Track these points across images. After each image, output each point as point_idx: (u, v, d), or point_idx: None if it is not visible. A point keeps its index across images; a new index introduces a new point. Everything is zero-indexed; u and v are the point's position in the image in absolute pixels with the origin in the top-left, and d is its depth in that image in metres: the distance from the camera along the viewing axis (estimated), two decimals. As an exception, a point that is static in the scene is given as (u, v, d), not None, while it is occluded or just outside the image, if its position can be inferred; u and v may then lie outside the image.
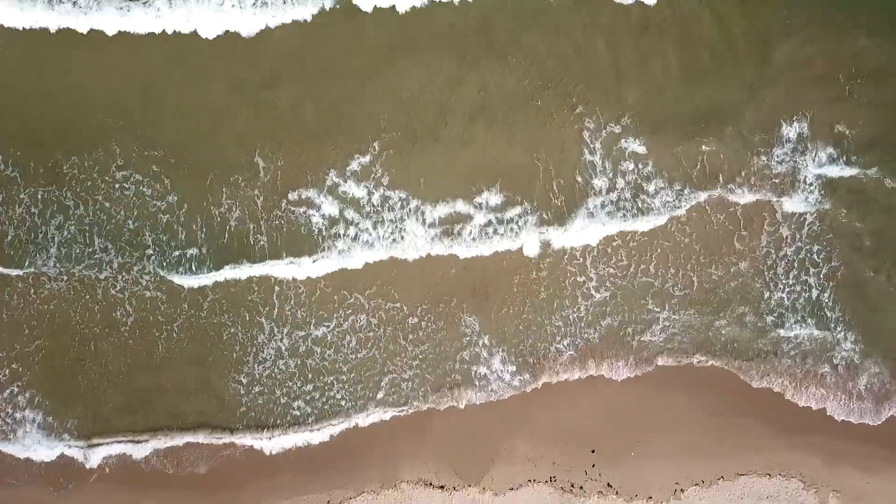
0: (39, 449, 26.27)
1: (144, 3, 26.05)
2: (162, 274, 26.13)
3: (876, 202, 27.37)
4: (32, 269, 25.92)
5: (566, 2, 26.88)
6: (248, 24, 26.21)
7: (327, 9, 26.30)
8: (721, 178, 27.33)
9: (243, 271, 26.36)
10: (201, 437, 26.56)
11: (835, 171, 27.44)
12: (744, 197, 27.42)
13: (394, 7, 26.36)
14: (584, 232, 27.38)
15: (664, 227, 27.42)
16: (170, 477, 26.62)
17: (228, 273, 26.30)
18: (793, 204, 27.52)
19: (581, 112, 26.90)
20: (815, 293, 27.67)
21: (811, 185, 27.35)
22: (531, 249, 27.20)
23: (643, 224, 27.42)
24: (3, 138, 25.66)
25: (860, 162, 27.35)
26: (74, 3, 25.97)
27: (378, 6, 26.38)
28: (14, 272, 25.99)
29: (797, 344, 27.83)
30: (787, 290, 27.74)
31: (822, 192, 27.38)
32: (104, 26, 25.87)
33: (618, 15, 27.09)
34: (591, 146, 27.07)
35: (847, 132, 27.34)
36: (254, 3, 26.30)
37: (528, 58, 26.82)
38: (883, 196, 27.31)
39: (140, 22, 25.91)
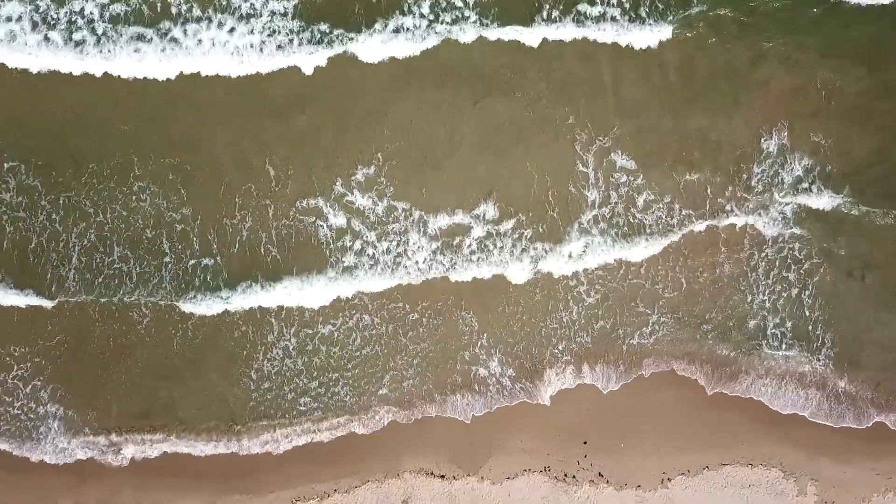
0: (60, 444, 26.59)
1: (161, 36, 25.98)
2: (178, 305, 26.42)
3: (848, 219, 27.69)
4: (62, 298, 26.11)
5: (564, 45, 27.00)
6: (264, 67, 26.27)
7: (335, 56, 26.36)
8: (708, 192, 27.46)
9: (256, 299, 26.67)
10: (211, 447, 27.00)
11: (811, 198, 27.59)
12: (727, 218, 27.55)
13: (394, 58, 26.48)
14: (577, 258, 27.46)
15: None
16: (184, 464, 27.04)
17: (239, 301, 26.61)
18: (770, 225, 27.70)
19: (573, 123, 26.99)
20: (794, 291, 27.84)
21: (787, 207, 27.59)
22: (521, 277, 27.43)
23: (638, 252, 27.57)
24: (25, 148, 25.83)
25: (833, 184, 27.52)
26: (97, 40, 25.79)
27: (376, 61, 26.48)
28: (46, 303, 26.18)
29: (776, 349, 28.07)
30: (767, 291, 27.88)
31: (798, 214, 27.66)
32: (119, 70, 25.85)
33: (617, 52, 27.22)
34: (584, 158, 27.14)
35: (823, 150, 27.45)
36: (262, 46, 26.28)
37: (522, 76, 26.93)
38: (855, 217, 27.67)
39: (154, 68, 25.94)
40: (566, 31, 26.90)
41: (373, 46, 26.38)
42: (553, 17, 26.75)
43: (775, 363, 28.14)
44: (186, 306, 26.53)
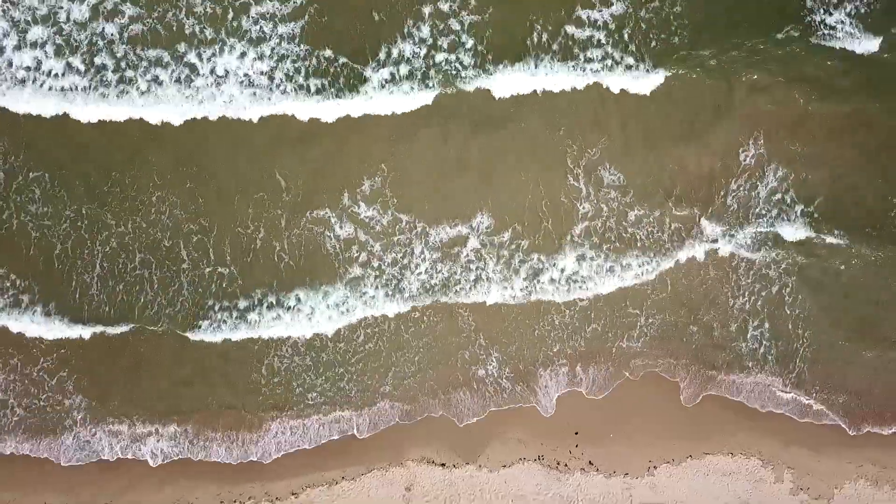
0: (84, 435, 26.82)
1: (177, 60, 26.05)
2: (188, 336, 26.79)
3: (822, 245, 28.33)
4: (100, 328, 26.52)
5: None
6: (271, 111, 26.42)
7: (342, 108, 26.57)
8: (694, 211, 27.93)
9: (270, 331, 27.21)
10: (226, 447, 27.50)
11: (784, 226, 28.04)
12: (709, 228, 28.00)
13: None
14: (572, 277, 27.78)
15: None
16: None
17: (245, 332, 27.11)
18: (743, 245, 28.18)
19: (563, 134, 27.24)
20: (774, 289, 28.22)
21: (763, 229, 28.05)
22: (517, 297, 27.75)
23: (630, 278, 27.93)
24: (53, 160, 26.05)
25: (804, 198, 28.00)
26: (116, 64, 25.81)
27: (388, 112, 26.60)
28: (74, 332, 26.54)
29: (755, 350, 28.56)
30: (748, 292, 28.29)
31: (772, 242, 28.16)
32: (142, 114, 25.93)
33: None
34: (574, 172, 27.42)
35: (797, 170, 27.89)
36: (272, 73, 26.35)
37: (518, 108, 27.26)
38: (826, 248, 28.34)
39: (175, 111, 26.04)
40: (561, 80, 27.17)
41: (378, 100, 26.51)
42: (543, 40, 26.94)
43: (754, 369, 28.67)
44: (199, 335, 27.00)
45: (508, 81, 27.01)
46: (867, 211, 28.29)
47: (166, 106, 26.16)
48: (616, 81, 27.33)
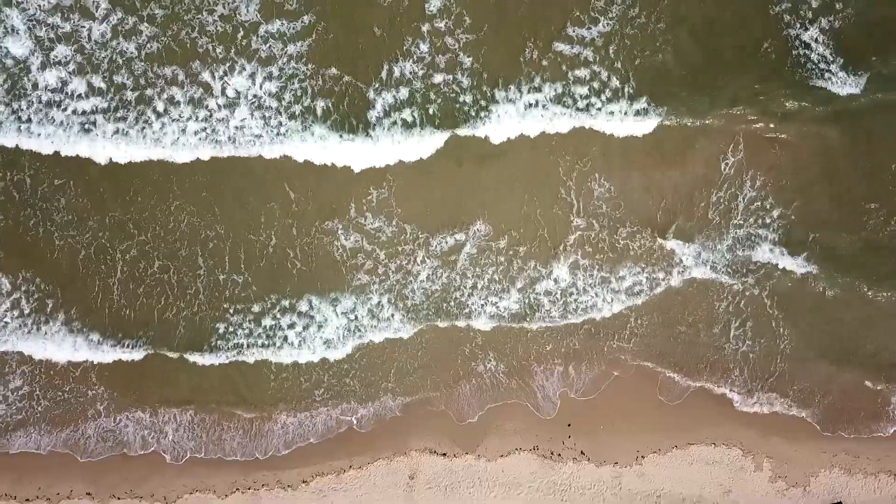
0: (106, 424, 27.39)
1: (191, 78, 26.14)
2: (189, 358, 27.14)
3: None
4: (118, 354, 26.89)
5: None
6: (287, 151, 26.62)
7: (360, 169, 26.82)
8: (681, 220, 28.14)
9: (290, 354, 27.69)
10: (238, 439, 28.13)
11: (757, 250, 28.27)
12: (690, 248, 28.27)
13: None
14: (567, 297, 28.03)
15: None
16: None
17: (260, 354, 27.56)
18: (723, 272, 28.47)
19: (556, 144, 27.47)
20: (756, 291, 28.65)
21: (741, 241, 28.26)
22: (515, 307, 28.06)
23: (627, 294, 28.17)
24: (77, 172, 26.29)
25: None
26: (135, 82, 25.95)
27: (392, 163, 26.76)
28: (106, 355, 26.97)
29: (738, 350, 29.05)
30: (730, 294, 28.71)
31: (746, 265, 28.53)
32: (159, 156, 26.18)
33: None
34: (567, 184, 27.66)
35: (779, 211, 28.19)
36: (280, 94, 26.48)
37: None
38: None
39: (189, 154, 26.22)
40: (552, 124, 27.37)
41: (386, 147, 26.78)
42: (534, 57, 27.07)
43: (735, 370, 29.25)
44: (210, 359, 27.42)
45: (504, 129, 27.28)
46: (842, 216, 28.71)
47: (182, 149, 26.51)
48: (603, 125, 27.48)
